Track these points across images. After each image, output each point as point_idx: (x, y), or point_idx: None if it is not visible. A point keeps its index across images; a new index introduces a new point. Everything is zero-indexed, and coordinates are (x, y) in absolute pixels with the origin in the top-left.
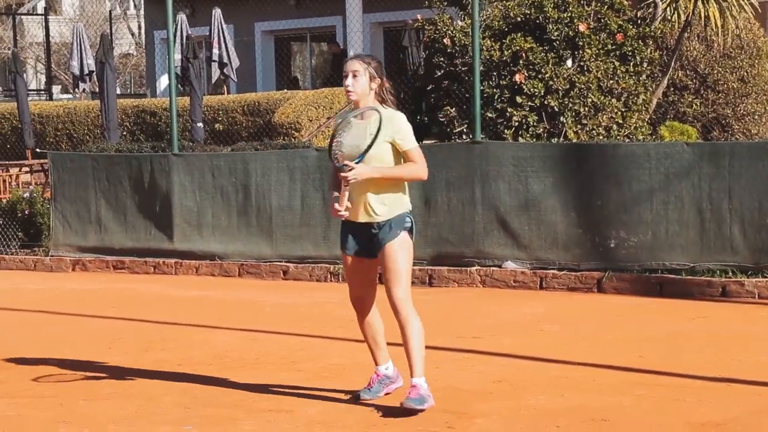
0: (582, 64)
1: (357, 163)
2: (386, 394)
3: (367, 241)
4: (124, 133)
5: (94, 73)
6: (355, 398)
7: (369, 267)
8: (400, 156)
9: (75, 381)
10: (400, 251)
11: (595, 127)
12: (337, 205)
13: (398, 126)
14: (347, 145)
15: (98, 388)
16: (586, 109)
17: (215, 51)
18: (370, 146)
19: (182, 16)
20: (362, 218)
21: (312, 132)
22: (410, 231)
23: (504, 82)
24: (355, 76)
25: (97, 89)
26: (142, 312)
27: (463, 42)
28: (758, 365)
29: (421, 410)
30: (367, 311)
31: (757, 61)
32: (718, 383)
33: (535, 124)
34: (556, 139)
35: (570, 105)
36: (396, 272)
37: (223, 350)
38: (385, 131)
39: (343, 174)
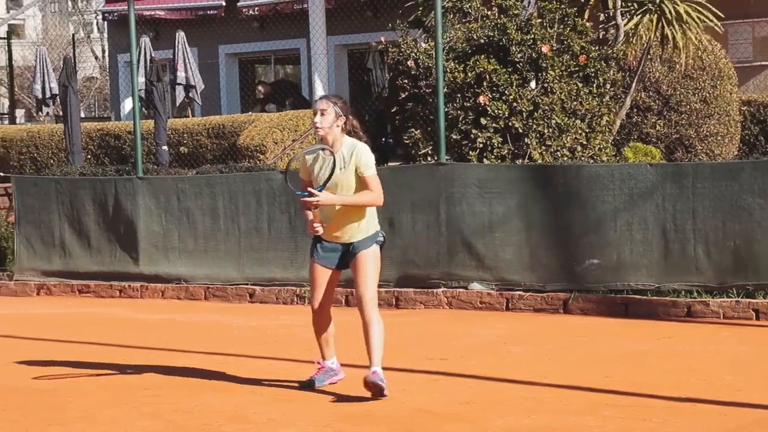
0: (545, 85)
1: (319, 190)
2: (331, 383)
3: (340, 255)
4: (89, 156)
5: (58, 96)
6: (303, 386)
7: (335, 277)
8: (353, 183)
9: (41, 406)
10: (372, 260)
11: (559, 148)
12: (316, 226)
13: (360, 154)
14: (320, 175)
15: (64, 412)
16: (550, 130)
17: (180, 74)
18: (329, 178)
19: (146, 39)
20: (339, 239)
21: (277, 155)
22: (382, 246)
23: (468, 104)
24: (322, 114)
25: (61, 113)
26: (107, 336)
27: (426, 64)
28: (723, 385)
29: (382, 386)
30: (326, 314)
31: (718, 82)
32: (683, 403)
33: (499, 145)
34: (520, 161)
35: (534, 126)
36: (367, 277)
37: (190, 374)
38: (348, 162)
39: (307, 200)
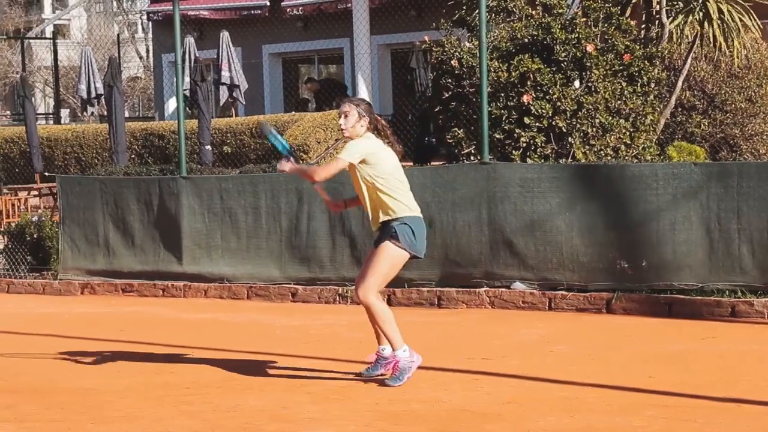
0: (589, 84)
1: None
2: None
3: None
4: (133, 156)
5: (103, 96)
6: (358, 375)
7: None
8: (360, 173)
9: (83, 404)
10: (379, 254)
11: (603, 147)
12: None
13: (348, 144)
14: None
15: (106, 411)
16: (594, 129)
17: (224, 73)
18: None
19: (190, 39)
20: (374, 226)
21: (320, 154)
22: (395, 237)
23: (512, 103)
24: (345, 116)
25: (106, 112)
26: (150, 335)
27: (470, 63)
28: None
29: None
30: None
31: (764, 81)
32: (727, 403)
33: (542, 144)
34: (564, 160)
35: (578, 125)
36: (368, 269)
37: (232, 373)
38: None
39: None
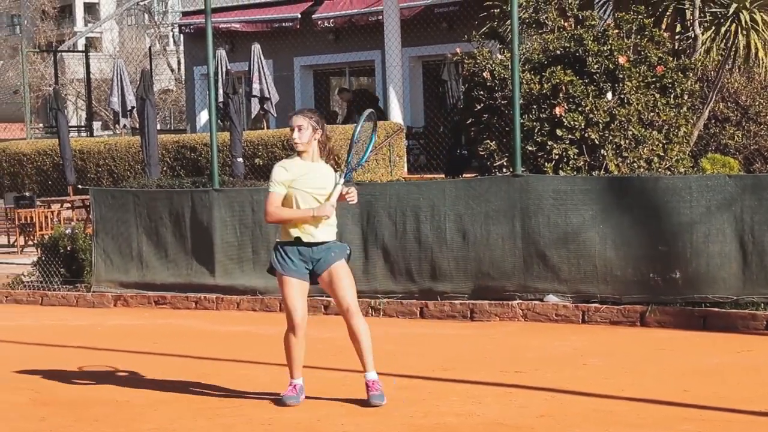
0: (622, 96)
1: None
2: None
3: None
4: (165, 168)
5: (135, 108)
6: (277, 402)
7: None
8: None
9: (117, 417)
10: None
11: (636, 159)
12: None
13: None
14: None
15: (140, 423)
16: (627, 141)
17: (255, 86)
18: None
19: (222, 52)
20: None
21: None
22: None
23: (544, 115)
24: (300, 129)
25: (138, 125)
26: (183, 348)
27: (502, 75)
28: None
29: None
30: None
31: None
32: (763, 417)
33: (575, 157)
34: (596, 172)
35: (610, 137)
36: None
37: (266, 386)
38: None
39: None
